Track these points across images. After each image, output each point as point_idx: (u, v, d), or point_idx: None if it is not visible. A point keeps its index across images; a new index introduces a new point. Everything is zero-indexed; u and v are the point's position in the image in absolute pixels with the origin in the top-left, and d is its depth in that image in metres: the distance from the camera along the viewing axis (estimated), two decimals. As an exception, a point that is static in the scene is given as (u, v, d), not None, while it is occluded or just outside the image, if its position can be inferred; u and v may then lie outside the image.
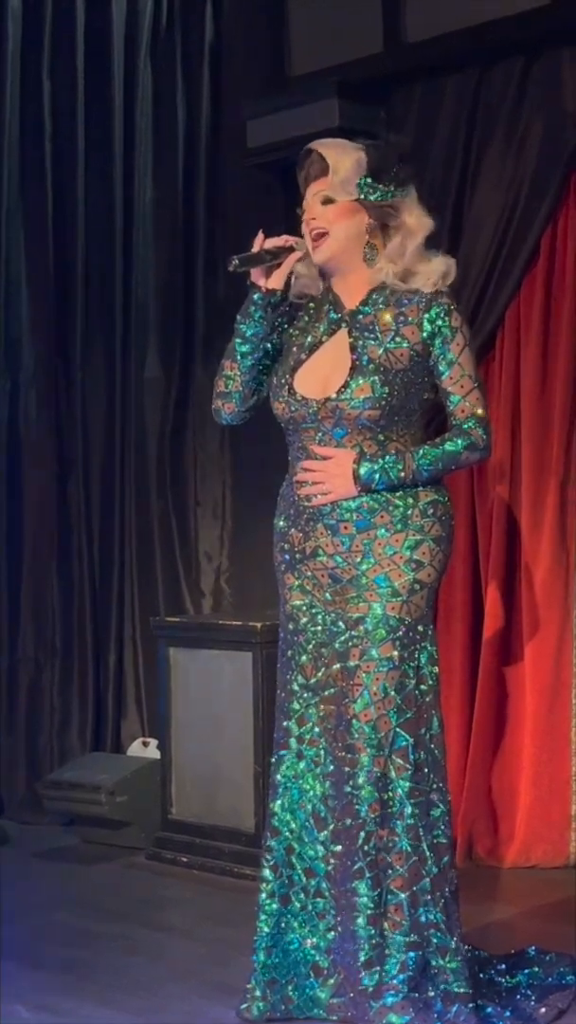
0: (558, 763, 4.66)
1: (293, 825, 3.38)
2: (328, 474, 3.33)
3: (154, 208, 5.60)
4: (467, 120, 4.79)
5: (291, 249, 3.39)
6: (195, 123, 5.50)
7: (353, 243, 3.36)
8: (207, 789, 4.84)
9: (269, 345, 3.43)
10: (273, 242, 3.39)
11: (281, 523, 3.46)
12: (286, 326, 3.47)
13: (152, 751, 5.26)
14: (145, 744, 5.37)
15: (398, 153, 3.34)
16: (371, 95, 4.89)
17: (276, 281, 3.39)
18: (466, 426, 3.35)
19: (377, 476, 3.30)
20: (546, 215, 4.62)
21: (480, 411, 3.36)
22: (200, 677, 4.87)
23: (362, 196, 3.32)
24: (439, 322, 3.33)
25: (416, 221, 3.34)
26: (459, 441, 3.34)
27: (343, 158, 3.33)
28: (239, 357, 3.43)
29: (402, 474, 3.30)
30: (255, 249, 3.37)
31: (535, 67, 4.64)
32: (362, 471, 3.30)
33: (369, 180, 3.32)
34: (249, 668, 4.68)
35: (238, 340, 3.43)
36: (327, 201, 3.34)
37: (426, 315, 3.33)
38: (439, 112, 4.86)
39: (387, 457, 3.30)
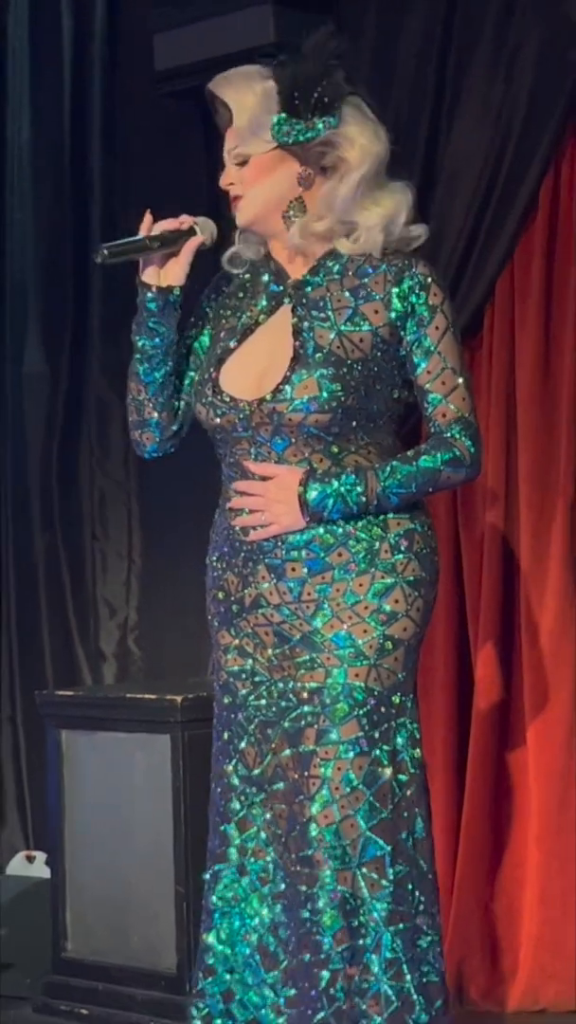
0: (573, 874, 4.60)
1: (233, 963, 3.35)
2: (268, 499, 3.32)
3: (32, 152, 5.58)
4: (442, 33, 4.75)
5: (191, 232, 3.40)
6: (86, 37, 5.48)
7: (280, 203, 3.38)
8: (114, 918, 4.76)
9: (184, 350, 3.47)
10: (165, 225, 3.39)
11: (214, 563, 3.44)
12: (214, 304, 3.49)
13: (39, 868, 5.23)
14: (30, 859, 5.36)
15: (323, 63, 3.26)
16: (316, 0, 4.86)
17: (174, 275, 3.41)
18: (448, 435, 3.36)
19: (330, 502, 3.29)
20: (545, 155, 4.57)
21: (467, 415, 3.36)
22: (102, 769, 4.79)
23: (281, 140, 3.31)
24: (413, 298, 3.33)
25: (358, 153, 3.30)
26: (438, 455, 3.33)
27: (244, 96, 3.32)
28: (142, 376, 3.46)
29: (363, 499, 3.30)
30: (141, 234, 3.37)
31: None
32: (311, 496, 3.29)
33: (283, 116, 3.30)
34: (168, 756, 4.60)
35: (136, 356, 3.46)
36: (242, 162, 3.36)
37: (396, 288, 3.33)
38: (405, 22, 4.82)
39: (344, 477, 3.29)
